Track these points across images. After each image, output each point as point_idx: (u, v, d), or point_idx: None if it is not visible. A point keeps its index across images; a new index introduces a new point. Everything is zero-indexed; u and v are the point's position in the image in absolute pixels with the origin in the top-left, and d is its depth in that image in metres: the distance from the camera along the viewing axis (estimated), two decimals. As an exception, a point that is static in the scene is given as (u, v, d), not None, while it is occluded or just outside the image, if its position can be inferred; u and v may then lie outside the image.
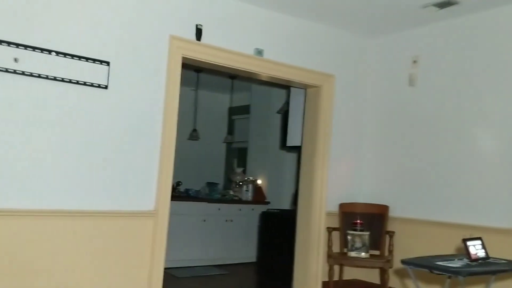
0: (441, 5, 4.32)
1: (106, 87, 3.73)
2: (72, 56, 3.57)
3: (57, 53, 3.51)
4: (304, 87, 5.11)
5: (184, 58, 4.13)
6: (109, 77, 3.74)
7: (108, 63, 3.73)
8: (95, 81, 3.68)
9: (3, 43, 3.30)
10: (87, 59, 3.63)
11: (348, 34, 5.19)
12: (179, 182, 6.74)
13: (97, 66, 3.68)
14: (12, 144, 3.36)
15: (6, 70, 3.32)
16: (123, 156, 3.81)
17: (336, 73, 5.07)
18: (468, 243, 3.21)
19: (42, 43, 3.46)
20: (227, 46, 4.33)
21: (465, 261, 3.16)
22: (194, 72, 6.85)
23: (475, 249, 3.21)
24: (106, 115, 3.75)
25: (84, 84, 3.63)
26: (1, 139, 3.32)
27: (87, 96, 3.66)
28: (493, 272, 3.24)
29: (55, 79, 3.51)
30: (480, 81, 4.38)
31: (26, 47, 3.38)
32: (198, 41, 4.16)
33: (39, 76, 3.45)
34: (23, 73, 3.38)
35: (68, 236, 3.56)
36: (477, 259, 3.17)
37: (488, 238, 3.51)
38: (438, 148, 4.64)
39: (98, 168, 3.71)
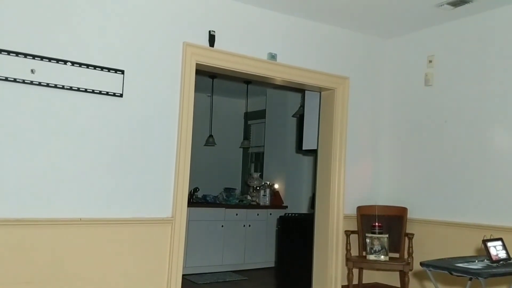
0: (455, 4, 4.28)
1: (121, 95, 3.76)
2: (87, 65, 3.62)
3: (73, 63, 3.56)
4: (319, 90, 5.09)
5: (198, 65, 4.15)
6: (124, 86, 3.78)
7: (122, 72, 3.77)
8: (110, 90, 3.72)
9: (20, 55, 3.35)
10: (102, 68, 3.68)
11: (362, 35, 5.16)
12: (197, 188, 6.76)
13: (112, 75, 3.72)
14: (31, 154, 3.41)
15: (24, 82, 3.37)
16: (139, 163, 3.85)
17: (351, 75, 5.04)
18: (489, 244, 3.16)
19: (58, 54, 3.51)
20: (240, 51, 4.34)
21: (486, 262, 3.12)
22: (209, 78, 6.88)
23: (496, 250, 3.16)
24: (122, 123, 3.78)
25: (100, 93, 3.67)
26: (19, 150, 3.37)
27: (102, 105, 3.70)
28: (515, 273, 3.18)
29: (71, 88, 3.56)
30: (497, 79, 4.32)
31: (42, 58, 3.44)
32: (211, 47, 4.18)
33: (55, 86, 3.50)
34: (39, 84, 3.43)
35: (86, 244, 3.60)
36: (498, 260, 3.11)
37: (509, 238, 3.46)
38: (456, 149, 4.59)
39: (114, 176, 3.74)
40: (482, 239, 3.19)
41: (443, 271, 3.09)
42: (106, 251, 3.68)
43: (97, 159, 3.67)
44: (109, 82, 3.71)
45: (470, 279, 3.12)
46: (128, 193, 3.79)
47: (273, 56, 4.53)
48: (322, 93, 5.11)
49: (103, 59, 3.70)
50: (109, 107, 3.72)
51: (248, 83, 7.11)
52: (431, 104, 4.86)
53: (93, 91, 3.64)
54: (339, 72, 4.97)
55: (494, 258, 3.11)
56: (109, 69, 3.71)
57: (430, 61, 4.87)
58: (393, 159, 5.20)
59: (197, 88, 4.26)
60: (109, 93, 3.71)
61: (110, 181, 3.72)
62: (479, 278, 2.92)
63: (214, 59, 4.22)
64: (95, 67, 3.65)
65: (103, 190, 3.69)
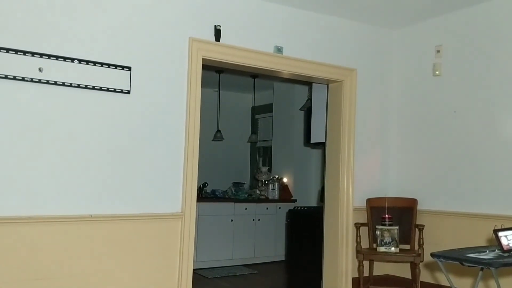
0: (462, -7, 4.25)
1: (128, 92, 3.77)
2: (94, 63, 3.63)
3: (80, 60, 3.57)
4: (326, 82, 5.08)
5: (204, 60, 4.15)
6: (131, 82, 3.78)
7: (129, 68, 3.78)
8: (118, 87, 3.73)
9: (27, 54, 3.37)
10: (109, 65, 3.68)
11: (369, 26, 5.13)
12: (206, 183, 6.78)
13: (119, 71, 3.73)
14: (40, 152, 3.43)
15: (32, 80, 3.39)
16: (147, 159, 3.86)
17: (358, 66, 5.02)
18: (500, 233, 3.14)
19: (65, 52, 3.52)
20: (247, 45, 4.33)
21: (497, 252, 3.09)
22: (216, 73, 6.88)
23: (507, 239, 3.13)
24: (130, 120, 3.79)
25: (107, 90, 3.68)
26: (29, 148, 3.39)
27: (110, 102, 3.71)
28: (527, 263, 3.16)
29: (78, 86, 3.57)
30: (506, 67, 4.28)
31: (49, 56, 3.45)
32: (217, 42, 4.17)
33: (63, 84, 3.51)
34: (47, 82, 3.45)
35: (97, 240, 3.62)
36: (510, 250, 3.09)
37: (520, 228, 3.43)
38: (465, 139, 4.56)
39: (124, 172, 3.76)
40: (493, 229, 3.18)
41: (454, 262, 3.07)
42: (117, 247, 3.70)
43: (106, 155, 3.69)
44: (117, 79, 3.72)
45: (482, 269, 3.11)
46: (137, 189, 3.81)
47: (279, 49, 4.51)
48: (329, 85, 5.09)
49: (110, 56, 3.71)
50: (117, 104, 3.73)
51: (255, 77, 7.10)
52: (439, 94, 4.82)
53: (100, 88, 3.65)
54: (346, 64, 4.94)
55: (505, 248, 3.09)
56: (116, 66, 3.72)
57: (438, 51, 4.84)
58: (402, 150, 5.18)
59: (204, 83, 4.26)
60: (117, 90, 3.72)
61: (120, 177, 3.74)
62: (491, 268, 2.90)
63: (220, 54, 4.21)
64: (102, 64, 3.66)
65: (112, 186, 3.70)
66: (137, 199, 3.80)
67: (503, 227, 3.19)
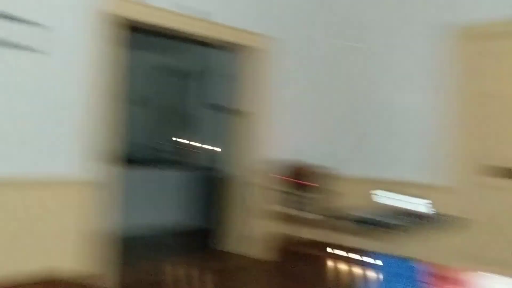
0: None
1: (44, 52, 3.56)
2: (11, 18, 3.36)
3: (-8, 14, 3.31)
4: (243, 49, 5.09)
5: (125, 19, 4.02)
6: (49, 42, 3.58)
7: (48, 27, 3.56)
8: (34, 45, 3.50)
9: None
10: (26, 22, 3.44)
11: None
12: (123, 148, 6.60)
13: (36, 29, 3.50)
14: None
15: None
16: (59, 121, 3.70)
17: (277, 34, 5.10)
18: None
19: (-23, 4, 3.25)
20: (169, 7, 4.23)
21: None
22: (136, 34, 6.63)
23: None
24: (44, 81, 3.60)
25: (22, 48, 3.44)
26: None
27: (24, 61, 3.49)
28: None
29: (-11, 41, 3.32)
30: (386, 37, 4.79)
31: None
32: (139, 2, 4.04)
33: (-27, 38, 3.25)
34: (-45, 35, 3.18)
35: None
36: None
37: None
38: (362, 108, 5.04)
39: (30, 134, 3.56)
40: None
41: (365, 225, 3.29)
42: (20, 216, 3.51)
43: (17, 115, 3.49)
44: (33, 37, 3.49)
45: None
46: (48, 150, 3.64)
47: (201, 13, 4.44)
48: (246, 52, 5.10)
49: (27, 11, 3.47)
50: (31, 63, 3.52)
51: (172, 39, 6.94)
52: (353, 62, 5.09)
53: (15, 46, 3.41)
54: (264, 31, 5.00)
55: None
56: (33, 24, 3.48)
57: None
58: (311, 117, 5.45)
59: (123, 44, 4.12)
60: (33, 48, 3.50)
61: (24, 140, 3.53)
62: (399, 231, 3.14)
63: (139, 14, 4.11)
64: (18, 20, 3.40)
65: (14, 148, 3.48)
66: (39, 163, 3.60)
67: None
